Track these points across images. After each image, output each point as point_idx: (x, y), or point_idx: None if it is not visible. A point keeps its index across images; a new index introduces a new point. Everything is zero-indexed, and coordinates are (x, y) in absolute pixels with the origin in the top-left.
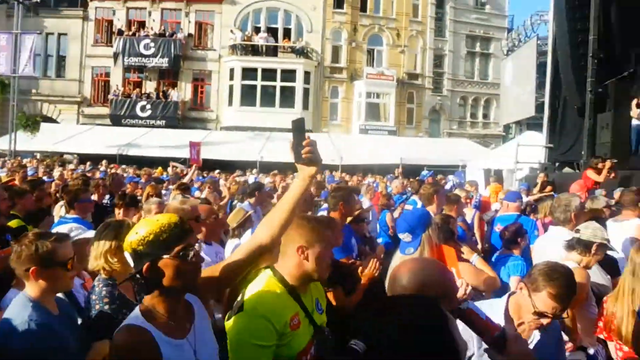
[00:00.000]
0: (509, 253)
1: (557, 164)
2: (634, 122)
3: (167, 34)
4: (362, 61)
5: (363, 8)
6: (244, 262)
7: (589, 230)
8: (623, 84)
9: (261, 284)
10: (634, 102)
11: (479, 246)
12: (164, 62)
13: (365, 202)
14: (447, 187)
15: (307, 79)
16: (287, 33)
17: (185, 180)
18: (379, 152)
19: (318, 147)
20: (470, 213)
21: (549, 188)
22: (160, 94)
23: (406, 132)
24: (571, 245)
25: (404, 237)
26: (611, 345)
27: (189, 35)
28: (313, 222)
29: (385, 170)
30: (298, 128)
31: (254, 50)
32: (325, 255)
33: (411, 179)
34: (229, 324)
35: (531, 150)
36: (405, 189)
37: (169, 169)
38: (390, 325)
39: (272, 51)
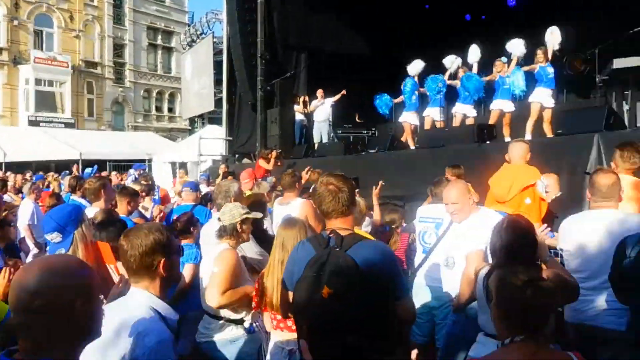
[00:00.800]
0: (184, 242)
1: (237, 156)
2: (298, 117)
3: None
4: (29, 43)
5: None
6: None
7: (226, 215)
8: (286, 83)
9: None
10: (301, 99)
11: None
12: None
13: (29, 203)
14: (129, 181)
15: None
16: None
17: None
18: (54, 147)
19: None
20: (151, 206)
21: (229, 178)
22: None
23: (86, 124)
24: (220, 234)
25: (53, 237)
26: (267, 316)
27: None
28: None
29: (65, 166)
30: None
31: None
32: None
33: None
34: None
35: (213, 143)
36: None
37: None
38: None
39: None
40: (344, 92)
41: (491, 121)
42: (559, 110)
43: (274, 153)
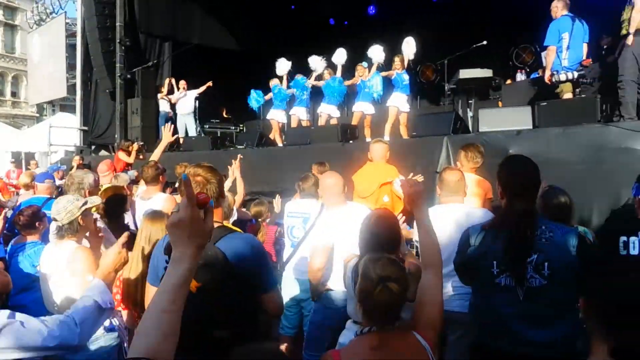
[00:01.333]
0: (29, 240)
1: (93, 147)
2: (163, 108)
3: None
4: None
5: None
6: None
7: (62, 214)
8: (149, 72)
9: None
10: (166, 82)
11: None
12: None
13: None
14: None
15: None
16: None
17: None
18: None
19: None
20: None
21: (84, 171)
22: None
23: None
24: (61, 234)
25: None
26: (126, 314)
27: None
28: None
29: None
30: None
31: None
32: None
33: None
34: None
35: (66, 132)
36: None
37: None
38: None
39: None
40: (209, 83)
41: (353, 122)
42: (414, 115)
43: (135, 145)
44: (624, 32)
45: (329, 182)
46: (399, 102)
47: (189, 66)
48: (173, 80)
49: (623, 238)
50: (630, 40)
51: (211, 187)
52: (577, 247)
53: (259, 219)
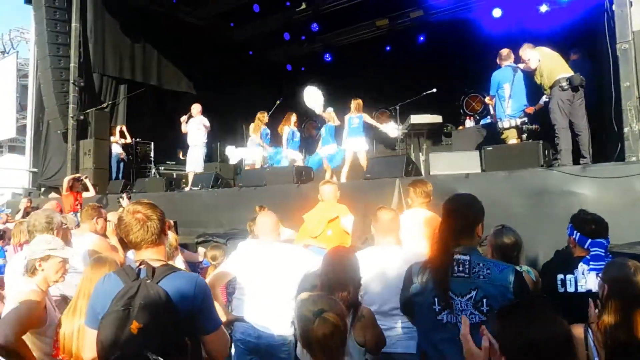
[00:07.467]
0: None
1: (43, 189)
2: (115, 150)
3: None
4: None
5: None
6: None
7: (30, 249)
8: (103, 113)
9: None
10: (117, 129)
11: None
12: None
13: None
14: None
15: None
16: None
17: None
18: None
19: None
20: None
21: (51, 209)
22: None
23: None
24: (24, 270)
25: None
26: None
27: None
28: None
29: None
30: None
31: None
32: None
33: None
34: None
35: (14, 174)
36: None
37: None
38: None
39: None
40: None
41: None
42: (370, 157)
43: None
44: (545, 90)
45: (261, 220)
46: (355, 145)
47: (145, 108)
48: (124, 128)
49: (560, 276)
50: (550, 93)
51: (152, 224)
52: (514, 284)
53: (214, 262)
